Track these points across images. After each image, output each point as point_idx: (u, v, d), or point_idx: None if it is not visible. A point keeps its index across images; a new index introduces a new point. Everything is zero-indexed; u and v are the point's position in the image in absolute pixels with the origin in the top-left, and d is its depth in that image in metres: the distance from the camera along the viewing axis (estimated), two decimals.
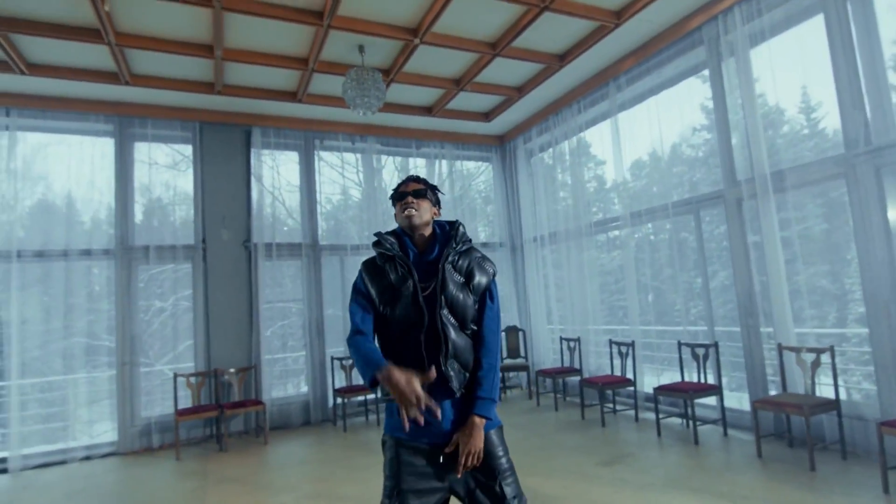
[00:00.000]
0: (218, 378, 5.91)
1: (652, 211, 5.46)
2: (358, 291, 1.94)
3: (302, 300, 6.71)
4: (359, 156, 7.40)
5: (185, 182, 6.33)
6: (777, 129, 4.61)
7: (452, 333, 1.81)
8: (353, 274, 8.52)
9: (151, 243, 5.91)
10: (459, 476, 1.77)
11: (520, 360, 7.07)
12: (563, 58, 5.34)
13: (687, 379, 4.94)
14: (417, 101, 6.32)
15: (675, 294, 5.36)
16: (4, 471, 5.01)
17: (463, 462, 1.73)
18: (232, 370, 5.91)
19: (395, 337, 1.86)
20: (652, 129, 5.45)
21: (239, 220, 6.35)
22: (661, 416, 4.86)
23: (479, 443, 1.76)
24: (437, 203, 2.02)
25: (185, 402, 5.63)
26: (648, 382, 5.47)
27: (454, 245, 1.91)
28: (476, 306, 1.88)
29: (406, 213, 1.87)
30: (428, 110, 6.51)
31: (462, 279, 1.89)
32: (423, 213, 1.90)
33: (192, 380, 5.70)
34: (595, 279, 6.30)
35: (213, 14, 4.09)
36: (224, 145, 6.35)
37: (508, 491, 1.76)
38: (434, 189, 2.02)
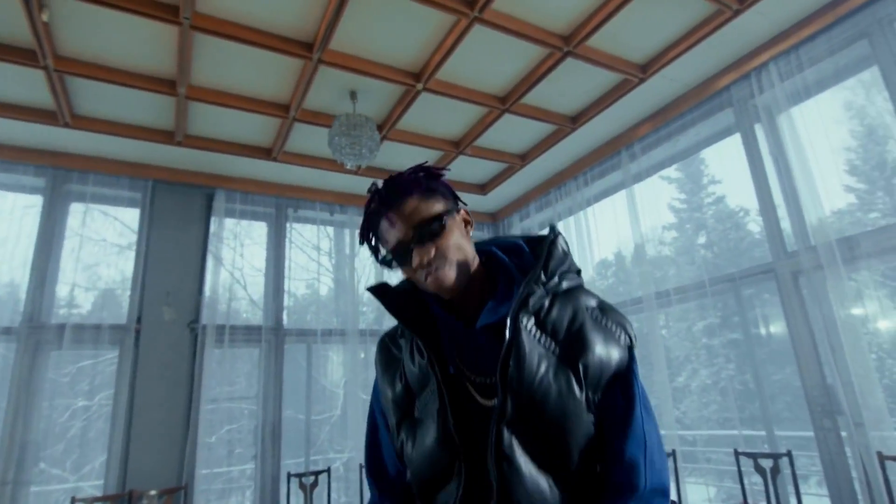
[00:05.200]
0: None
1: (683, 290, 4.71)
2: (374, 403, 1.14)
3: (255, 398, 5.43)
4: (332, 234, 6.55)
5: (125, 251, 5.28)
6: (831, 192, 4.11)
7: (526, 475, 0.87)
8: (320, 368, 7.33)
9: (69, 321, 4.69)
10: None
11: None
12: (576, 119, 4.84)
13: (751, 500, 3.88)
14: (409, 165, 5.64)
15: (715, 392, 4.45)
16: None
17: None
18: (153, 492, 4.46)
19: (417, 494, 0.99)
20: (670, 202, 4.89)
21: (186, 297, 5.24)
22: None
23: None
24: (463, 216, 1.10)
25: None
26: (697, 501, 4.37)
27: (542, 279, 0.97)
28: (595, 418, 0.93)
29: (432, 276, 0.97)
30: None
31: (557, 350, 0.95)
32: (454, 254, 0.97)
33: None
34: None
35: (180, 34, 3.38)
36: (180, 209, 5.41)
37: None
38: (452, 192, 1.12)
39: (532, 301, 0.95)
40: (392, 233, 1.00)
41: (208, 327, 5.13)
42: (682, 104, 4.61)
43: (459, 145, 5.13)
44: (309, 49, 3.64)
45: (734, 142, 4.51)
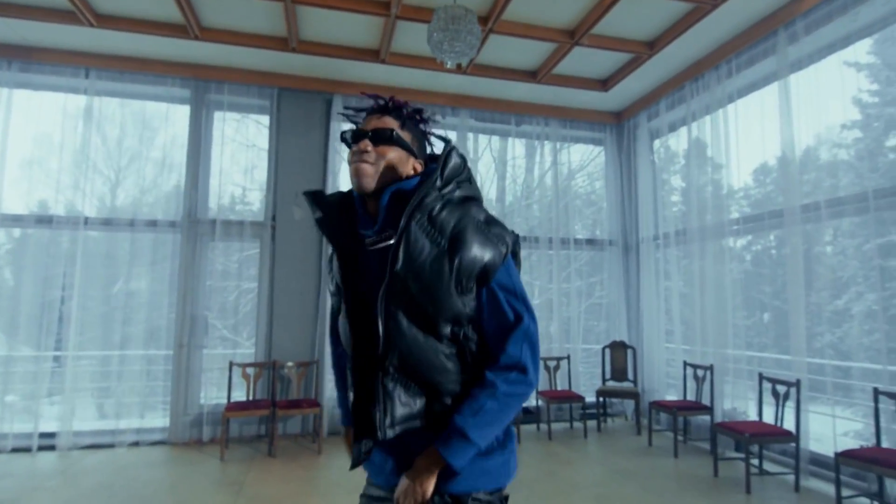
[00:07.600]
0: (276, 371, 5.29)
1: (838, 202, 3.95)
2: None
3: None
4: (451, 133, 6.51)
5: (259, 155, 5.81)
6: None
7: (404, 323, 1.16)
8: None
9: (219, 217, 5.43)
10: None
11: (627, 385, 5.76)
12: None
13: (888, 444, 3.43)
14: (520, 62, 5.27)
15: (883, 320, 3.83)
16: (52, 447, 4.72)
17: None
18: (290, 364, 5.26)
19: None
20: (844, 95, 3.97)
21: None
22: (844, 491, 3.39)
23: (421, 487, 1.15)
24: (419, 151, 1.32)
25: (241, 394, 5.07)
26: (820, 437, 3.99)
27: (438, 186, 1.21)
28: (465, 298, 1.19)
29: (355, 165, 1.23)
30: (532, 75, 5.44)
31: (440, 244, 1.18)
32: (383, 167, 1.23)
33: (249, 370, 5.12)
34: (738, 290, 4.87)
35: None
36: (302, 115, 5.75)
37: None
38: (418, 121, 1.34)
39: (427, 201, 1.18)
40: (365, 122, 1.29)
41: None
42: None
43: (574, 34, 4.61)
44: None
45: None
